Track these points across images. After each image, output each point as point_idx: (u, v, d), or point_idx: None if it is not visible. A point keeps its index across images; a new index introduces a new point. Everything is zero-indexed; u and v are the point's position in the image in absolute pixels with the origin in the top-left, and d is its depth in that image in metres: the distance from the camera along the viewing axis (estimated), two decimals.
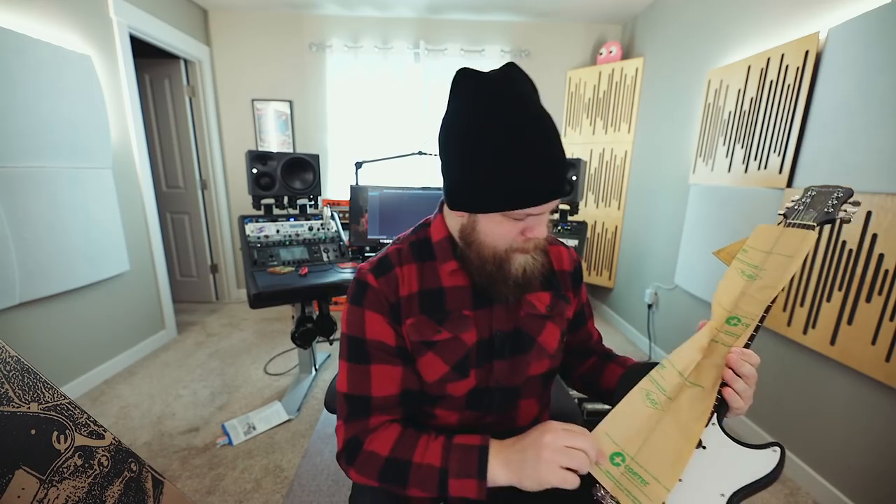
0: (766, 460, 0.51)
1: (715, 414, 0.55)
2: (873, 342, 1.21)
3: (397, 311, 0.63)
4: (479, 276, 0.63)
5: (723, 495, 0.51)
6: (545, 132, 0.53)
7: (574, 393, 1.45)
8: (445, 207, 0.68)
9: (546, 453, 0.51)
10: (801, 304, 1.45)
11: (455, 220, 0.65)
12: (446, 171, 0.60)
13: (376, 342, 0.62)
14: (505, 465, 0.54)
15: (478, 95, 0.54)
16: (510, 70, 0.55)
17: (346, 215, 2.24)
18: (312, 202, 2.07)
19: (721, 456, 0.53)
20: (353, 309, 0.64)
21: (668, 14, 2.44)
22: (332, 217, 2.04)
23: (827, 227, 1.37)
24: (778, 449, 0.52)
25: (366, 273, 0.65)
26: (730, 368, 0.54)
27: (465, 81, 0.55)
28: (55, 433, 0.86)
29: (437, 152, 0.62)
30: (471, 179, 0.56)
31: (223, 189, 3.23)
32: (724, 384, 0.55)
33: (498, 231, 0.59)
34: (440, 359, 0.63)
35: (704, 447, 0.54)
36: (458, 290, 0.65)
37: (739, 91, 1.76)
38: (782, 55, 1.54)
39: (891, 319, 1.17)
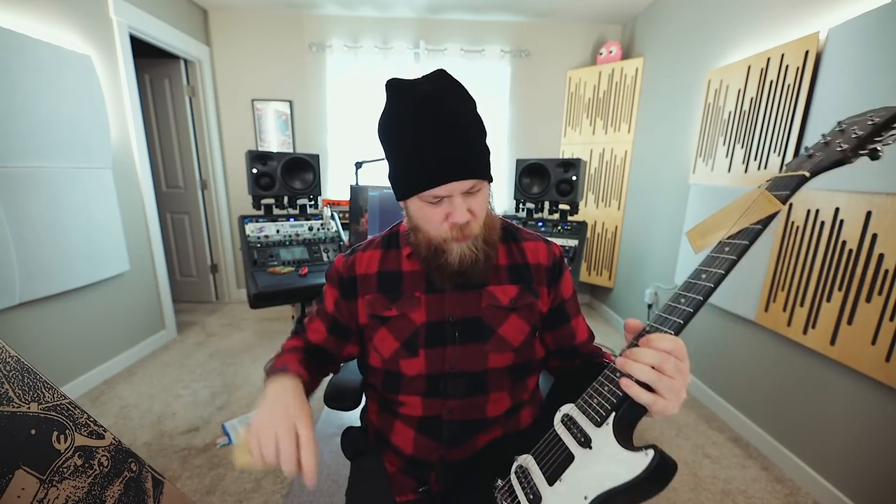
0: (635, 464, 0.46)
1: (613, 413, 0.50)
2: (873, 342, 1.21)
3: (351, 286, 0.76)
4: (422, 263, 0.72)
5: (586, 497, 0.48)
6: (443, 122, 0.60)
7: None
8: None
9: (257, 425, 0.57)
10: (801, 305, 1.45)
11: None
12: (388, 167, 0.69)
13: (323, 306, 0.80)
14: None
15: (395, 100, 0.63)
16: (432, 74, 0.63)
17: (346, 215, 2.24)
18: (312, 202, 2.07)
19: (601, 457, 0.49)
20: (326, 278, 0.81)
21: (667, 14, 2.44)
22: (332, 217, 2.04)
23: (822, 225, 1.38)
24: (651, 452, 0.45)
25: (338, 256, 0.80)
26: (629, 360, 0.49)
27: (389, 89, 0.64)
28: (55, 433, 0.86)
29: None
30: (394, 170, 0.66)
31: (223, 189, 3.24)
32: (621, 375, 0.49)
33: (422, 215, 0.66)
34: (392, 335, 0.72)
35: (591, 448, 0.51)
36: (414, 275, 0.74)
37: (739, 91, 1.76)
38: (782, 55, 1.54)
39: (891, 319, 1.17)
